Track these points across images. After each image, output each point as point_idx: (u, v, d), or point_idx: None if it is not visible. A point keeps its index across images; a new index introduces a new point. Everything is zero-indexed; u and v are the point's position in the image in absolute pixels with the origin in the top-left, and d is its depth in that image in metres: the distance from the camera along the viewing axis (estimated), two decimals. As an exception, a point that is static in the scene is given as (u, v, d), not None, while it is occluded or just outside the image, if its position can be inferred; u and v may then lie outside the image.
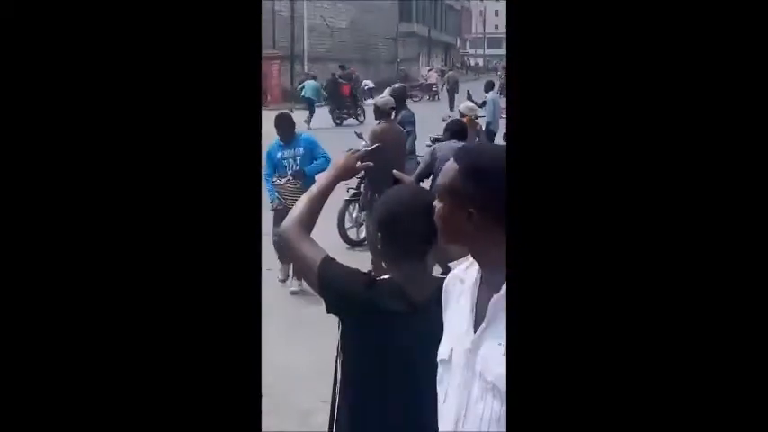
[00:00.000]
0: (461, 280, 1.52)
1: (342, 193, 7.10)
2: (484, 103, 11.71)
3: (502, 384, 1.34)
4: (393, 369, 1.76)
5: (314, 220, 1.93)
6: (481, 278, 1.46)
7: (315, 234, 1.91)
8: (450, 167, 1.45)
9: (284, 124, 6.21)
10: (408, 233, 1.78)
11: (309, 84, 21.31)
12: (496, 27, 78.57)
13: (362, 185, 7.18)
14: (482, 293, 1.44)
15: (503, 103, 12.13)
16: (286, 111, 6.74)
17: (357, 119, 20.35)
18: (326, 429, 1.92)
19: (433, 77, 31.82)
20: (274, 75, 26.01)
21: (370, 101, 17.24)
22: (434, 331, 1.53)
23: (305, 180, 6.07)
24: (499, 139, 11.39)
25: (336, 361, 1.86)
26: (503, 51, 67.52)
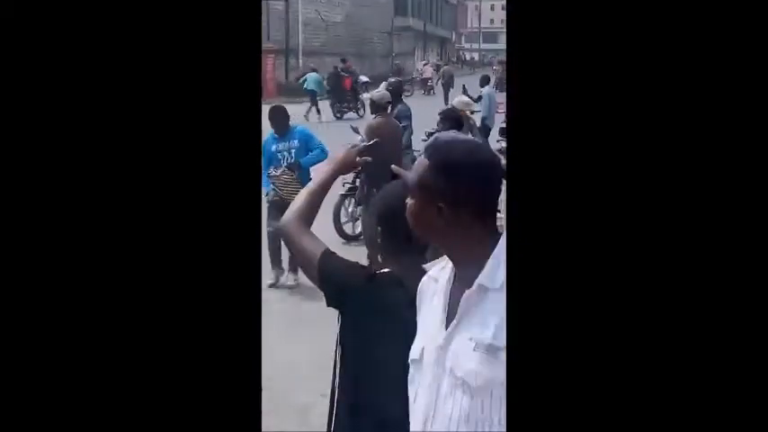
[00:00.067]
0: (435, 280, 1.52)
1: (337, 187, 7.09)
2: (479, 98, 11.70)
3: (472, 380, 1.34)
4: (392, 362, 1.76)
5: (314, 213, 1.94)
6: (455, 276, 1.46)
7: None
8: (420, 163, 1.46)
9: (278, 117, 6.18)
10: (408, 227, 1.79)
11: (312, 76, 21.31)
12: (492, 21, 78.48)
13: (358, 180, 7.18)
14: (455, 291, 1.44)
15: (499, 97, 12.12)
16: (280, 104, 6.70)
17: (357, 113, 20.32)
18: (326, 423, 1.92)
19: (429, 72, 31.77)
20: (269, 69, 25.92)
21: (365, 95, 17.20)
22: None
23: (300, 172, 6.07)
24: (494, 134, 11.39)
25: (336, 354, 1.86)
26: (498, 46, 67.47)
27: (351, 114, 20.36)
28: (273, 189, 6.06)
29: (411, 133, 7.97)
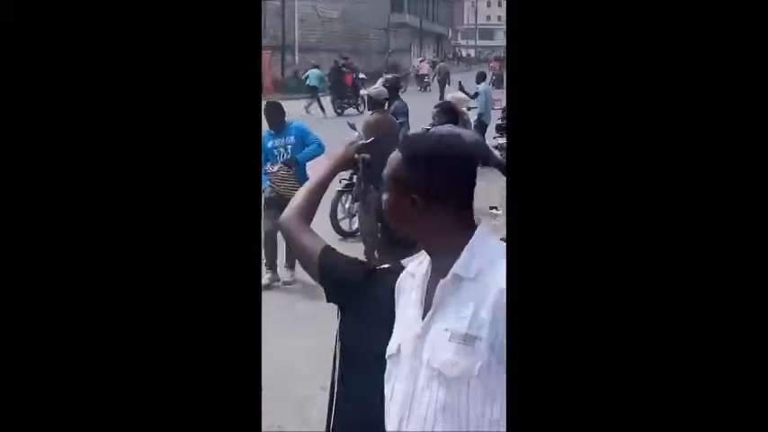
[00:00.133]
0: (412, 275, 1.53)
1: (334, 183, 7.04)
2: (476, 95, 11.69)
3: (448, 371, 1.35)
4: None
5: (313, 210, 1.95)
6: (431, 269, 1.47)
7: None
8: (393, 157, 1.48)
9: (274, 113, 6.12)
10: None
11: (314, 72, 21.42)
12: (488, 18, 78.26)
13: (355, 176, 7.16)
14: (431, 283, 1.45)
15: (495, 94, 12.11)
16: (275, 100, 6.65)
17: (357, 108, 20.28)
18: (325, 417, 1.93)
19: (425, 68, 31.71)
20: (266, 65, 25.83)
21: (362, 91, 17.16)
22: None
23: (297, 167, 6.04)
24: (491, 131, 11.39)
25: (336, 349, 1.87)
26: (495, 43, 67.28)
27: (351, 110, 20.32)
28: (270, 186, 6.04)
29: (408, 129, 7.95)
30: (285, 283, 6.06)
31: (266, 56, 25.81)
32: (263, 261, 5.80)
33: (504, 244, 1.49)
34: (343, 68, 22.28)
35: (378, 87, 7.47)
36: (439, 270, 1.44)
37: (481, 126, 11.05)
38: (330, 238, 6.75)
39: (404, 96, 8.98)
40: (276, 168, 6.04)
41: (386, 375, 1.51)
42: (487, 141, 8.39)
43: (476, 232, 1.44)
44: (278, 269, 6.08)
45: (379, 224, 1.86)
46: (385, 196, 1.48)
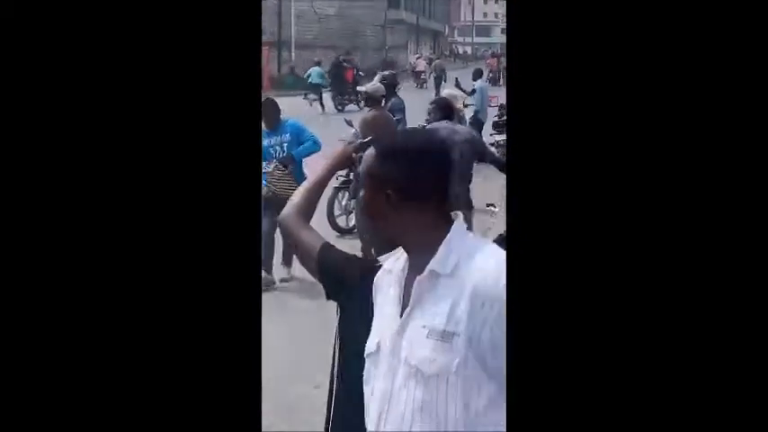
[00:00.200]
0: (389, 272, 1.54)
1: (331, 181, 7.03)
2: (473, 92, 11.69)
3: (426, 368, 1.35)
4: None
5: (312, 208, 1.96)
6: (408, 265, 1.48)
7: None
8: (368, 153, 1.50)
9: (269, 111, 6.06)
10: None
11: (315, 70, 21.54)
12: (485, 15, 78.20)
13: (352, 173, 7.17)
14: (409, 279, 1.46)
15: (491, 91, 12.10)
16: (270, 97, 6.61)
17: (357, 105, 20.27)
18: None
19: (422, 65, 31.70)
20: (262, 62, 25.78)
21: (359, 88, 17.13)
22: None
23: (293, 165, 6.02)
24: (488, 128, 11.39)
25: (335, 346, 1.88)
26: (491, 39, 67.17)
27: (352, 107, 20.31)
28: (266, 185, 6.03)
29: (405, 126, 7.95)
30: (282, 281, 6.05)
31: (263, 52, 25.80)
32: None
33: (481, 239, 1.50)
34: (344, 64, 22.30)
35: (375, 84, 7.46)
36: (416, 266, 1.44)
37: (477, 123, 11.05)
38: (327, 234, 6.73)
39: (400, 93, 8.98)
40: (272, 168, 6.00)
41: (365, 374, 1.51)
42: (484, 138, 8.38)
43: (452, 228, 1.45)
44: (272, 271, 6.02)
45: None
46: (361, 192, 1.49)
